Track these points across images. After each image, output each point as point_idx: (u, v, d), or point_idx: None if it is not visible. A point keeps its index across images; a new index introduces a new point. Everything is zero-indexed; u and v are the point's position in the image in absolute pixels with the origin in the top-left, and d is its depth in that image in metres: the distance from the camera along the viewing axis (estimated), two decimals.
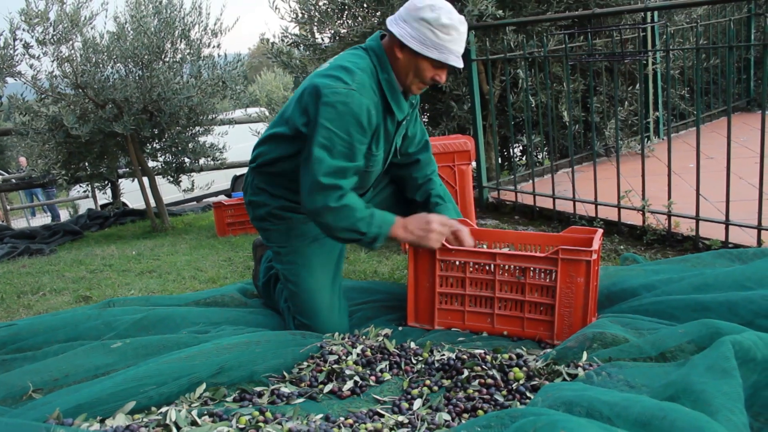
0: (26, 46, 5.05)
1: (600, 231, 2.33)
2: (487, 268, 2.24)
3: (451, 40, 2.08)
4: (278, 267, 2.39)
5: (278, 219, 2.33)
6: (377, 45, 2.19)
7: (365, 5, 4.65)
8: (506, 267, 2.22)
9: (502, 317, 2.24)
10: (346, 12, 4.78)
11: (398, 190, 2.60)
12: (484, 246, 2.54)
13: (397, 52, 2.14)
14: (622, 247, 3.22)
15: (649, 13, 4.79)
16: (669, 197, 3.11)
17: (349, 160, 2.09)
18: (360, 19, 4.70)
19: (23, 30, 4.98)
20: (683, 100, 5.56)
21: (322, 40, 5.06)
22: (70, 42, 5.09)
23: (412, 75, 2.17)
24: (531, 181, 4.02)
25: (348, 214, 2.09)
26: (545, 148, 5.48)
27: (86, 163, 5.98)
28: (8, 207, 10.29)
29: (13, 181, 10.53)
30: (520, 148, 6.12)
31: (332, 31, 4.88)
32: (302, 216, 2.33)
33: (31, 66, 5.15)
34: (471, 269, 2.26)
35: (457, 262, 2.28)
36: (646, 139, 4.88)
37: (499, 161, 5.90)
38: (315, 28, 4.99)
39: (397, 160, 2.48)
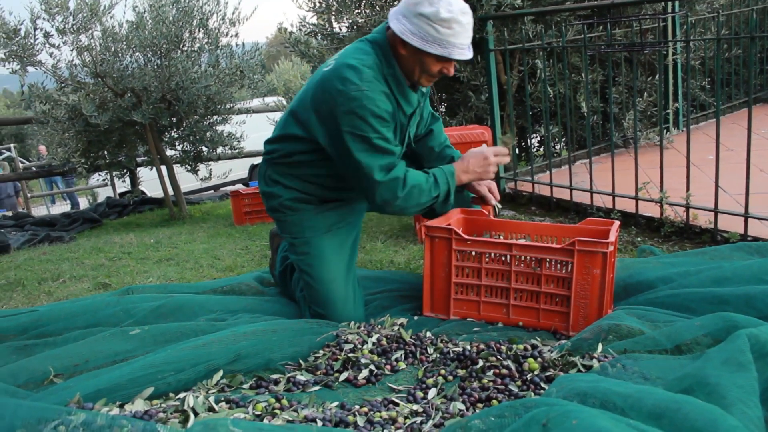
0: (46, 35, 5.10)
1: (617, 223, 2.32)
2: (503, 258, 2.24)
3: (452, 33, 2.02)
4: (293, 257, 2.41)
5: (291, 210, 2.35)
6: (382, 38, 2.15)
7: None
8: (522, 258, 2.22)
9: (517, 308, 2.24)
10: (364, 1, 4.77)
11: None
12: (501, 237, 2.54)
13: (400, 48, 2.11)
14: (639, 239, 3.20)
15: (669, 3, 4.73)
16: (687, 189, 3.09)
17: (390, 151, 2.13)
18: (378, 8, 4.68)
19: (43, 19, 5.02)
20: (704, 91, 5.50)
21: (340, 29, 5.06)
22: (90, 31, 5.13)
23: (418, 70, 2.14)
24: (548, 172, 4.00)
25: (417, 192, 2.18)
26: (563, 139, 5.45)
27: (105, 152, 6.03)
28: (29, 195, 10.42)
29: (34, 169, 10.65)
30: (538, 138, 6.09)
31: (350, 21, 4.88)
32: (314, 207, 2.35)
33: (51, 55, 5.20)
34: (487, 260, 2.26)
35: (474, 253, 2.28)
36: (665, 131, 4.84)
37: (517, 152, 5.88)
38: (333, 17, 4.98)
39: (414, 137, 2.51)
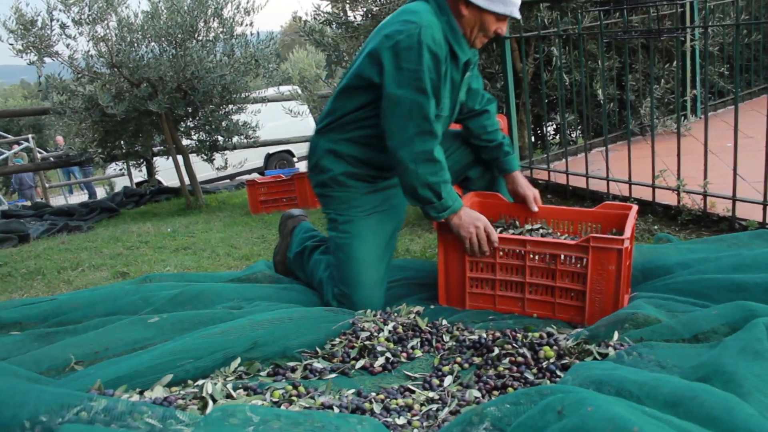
0: (63, 26, 5.14)
1: (635, 207, 2.31)
2: (518, 252, 2.23)
3: None
4: (332, 234, 2.42)
5: (340, 186, 2.38)
6: None
7: None
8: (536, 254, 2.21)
9: (533, 302, 2.23)
10: None
11: (472, 152, 2.63)
12: (516, 221, 2.53)
13: (462, 10, 2.19)
14: (656, 227, 3.18)
15: None
16: (705, 177, 3.07)
17: (437, 98, 2.16)
18: None
19: (60, 11, 5.07)
20: (722, 77, 5.44)
21: (355, 17, 5.05)
22: (106, 22, 5.16)
23: (477, 30, 2.23)
24: (564, 160, 3.98)
25: (439, 172, 2.17)
26: (579, 127, 5.41)
27: (122, 142, 6.09)
28: (47, 185, 10.51)
29: (51, 159, 10.75)
30: (554, 126, 6.06)
31: (364, 9, 4.86)
32: (363, 184, 2.38)
33: (67, 46, 5.25)
34: (501, 254, 2.25)
35: None
36: (682, 118, 4.79)
37: (532, 140, 5.84)
38: (347, 5, 4.97)
39: (468, 112, 2.55)
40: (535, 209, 2.49)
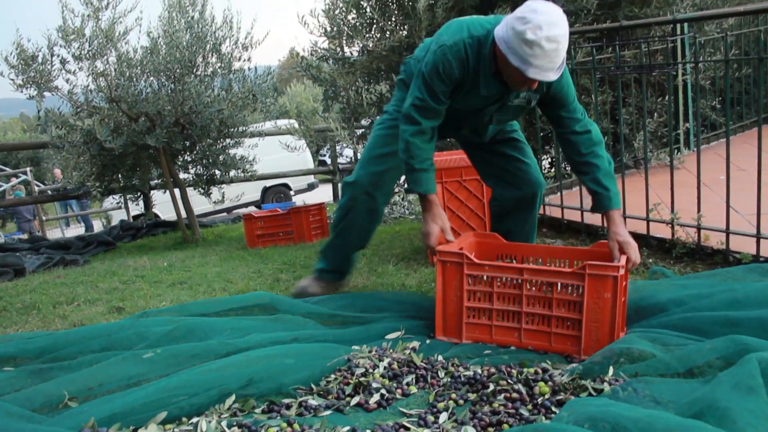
0: (63, 61, 5.18)
1: None
2: (515, 282, 2.24)
3: (532, 54, 2.12)
4: (381, 116, 2.88)
5: (398, 89, 2.80)
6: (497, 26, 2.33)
7: (393, 19, 4.69)
8: (534, 281, 2.22)
9: (529, 332, 2.23)
10: (374, 26, 4.83)
11: (518, 163, 2.78)
12: (513, 261, 2.54)
13: (498, 52, 2.27)
14: (650, 260, 3.19)
15: (678, 25, 4.75)
16: (698, 210, 3.09)
17: (431, 100, 2.42)
18: (388, 33, 4.73)
19: (60, 46, 5.11)
20: (714, 110, 5.50)
21: (351, 53, 5.11)
22: (105, 57, 5.21)
23: (506, 73, 2.31)
24: (559, 194, 4.01)
25: (410, 150, 2.48)
26: None
27: (119, 175, 6.10)
28: (44, 218, 10.51)
29: (49, 192, 10.77)
30: (549, 160, 6.10)
31: (361, 45, 4.93)
32: None
33: (67, 81, 5.28)
34: (499, 284, 2.26)
35: (485, 277, 2.28)
36: (675, 151, 4.84)
37: None
38: (344, 42, 5.04)
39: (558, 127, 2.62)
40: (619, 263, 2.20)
